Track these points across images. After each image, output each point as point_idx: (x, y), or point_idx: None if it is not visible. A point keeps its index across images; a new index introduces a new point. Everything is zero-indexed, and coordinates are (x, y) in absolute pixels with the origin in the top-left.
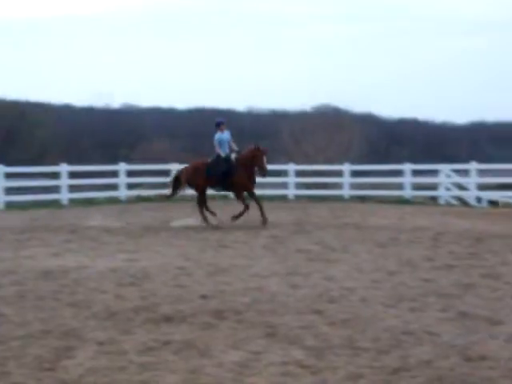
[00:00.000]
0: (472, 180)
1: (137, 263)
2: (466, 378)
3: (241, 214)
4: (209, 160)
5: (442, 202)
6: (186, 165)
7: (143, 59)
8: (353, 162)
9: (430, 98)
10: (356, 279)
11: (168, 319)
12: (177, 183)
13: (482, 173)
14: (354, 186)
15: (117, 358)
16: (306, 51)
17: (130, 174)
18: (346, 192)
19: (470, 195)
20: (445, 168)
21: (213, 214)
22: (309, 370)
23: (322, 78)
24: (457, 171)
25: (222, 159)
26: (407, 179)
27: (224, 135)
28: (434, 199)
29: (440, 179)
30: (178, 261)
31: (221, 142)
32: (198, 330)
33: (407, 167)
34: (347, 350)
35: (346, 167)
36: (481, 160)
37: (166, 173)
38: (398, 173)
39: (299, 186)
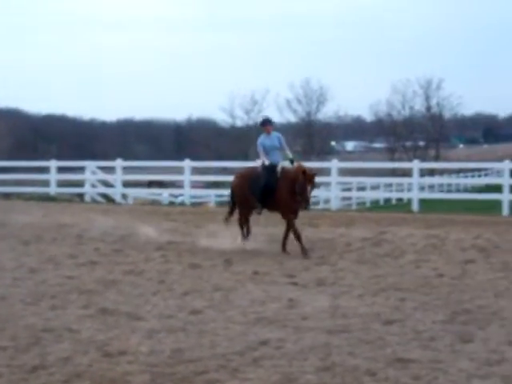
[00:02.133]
0: (117, 177)
1: None
2: (104, 373)
3: (301, 244)
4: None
5: (88, 199)
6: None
7: None
8: None
9: (79, 95)
10: None
11: None
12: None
13: (128, 170)
14: None
15: None
16: None
17: None
18: None
19: (116, 192)
20: (91, 165)
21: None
22: None
23: None
24: (103, 168)
25: (265, 169)
26: (52, 176)
27: (270, 139)
28: (80, 196)
29: (86, 176)
30: None
31: (265, 148)
32: None
33: (53, 164)
34: None
35: None
36: (128, 157)
37: None
38: (44, 169)
39: None
